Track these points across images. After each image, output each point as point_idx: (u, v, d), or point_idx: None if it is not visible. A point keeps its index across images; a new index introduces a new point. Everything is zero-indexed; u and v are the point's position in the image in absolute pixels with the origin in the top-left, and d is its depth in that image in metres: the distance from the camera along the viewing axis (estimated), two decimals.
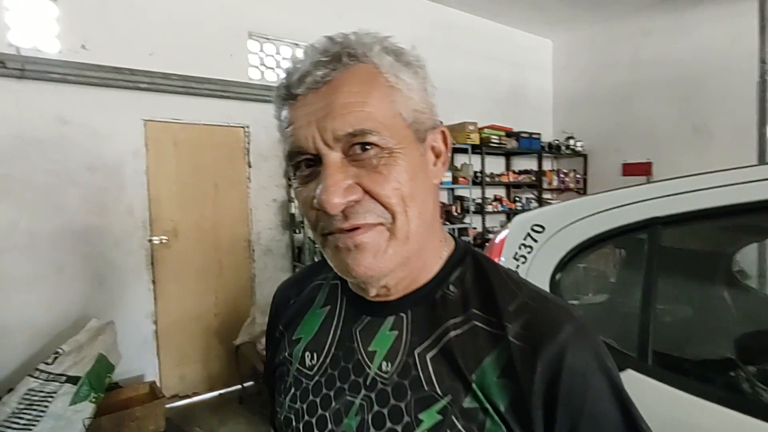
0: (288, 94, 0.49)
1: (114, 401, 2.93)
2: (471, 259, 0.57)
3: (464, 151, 4.89)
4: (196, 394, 3.65)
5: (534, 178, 5.82)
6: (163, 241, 3.48)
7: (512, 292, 0.52)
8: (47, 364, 2.60)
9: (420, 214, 0.50)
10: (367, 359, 0.55)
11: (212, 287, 3.74)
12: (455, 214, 4.99)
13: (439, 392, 0.49)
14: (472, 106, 5.26)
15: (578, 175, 6.09)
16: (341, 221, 0.48)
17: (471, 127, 4.91)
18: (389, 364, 0.53)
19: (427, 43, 4.44)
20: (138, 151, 3.34)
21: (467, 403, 0.48)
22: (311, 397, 0.57)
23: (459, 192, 5.19)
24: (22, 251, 2.93)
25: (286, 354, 0.62)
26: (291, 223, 4.04)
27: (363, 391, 0.54)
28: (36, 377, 2.54)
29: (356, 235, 0.48)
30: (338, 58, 0.48)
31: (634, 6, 5.18)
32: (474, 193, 5.20)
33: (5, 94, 2.86)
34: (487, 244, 1.86)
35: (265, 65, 4.03)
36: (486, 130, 5.16)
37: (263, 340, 3.26)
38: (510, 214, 5.72)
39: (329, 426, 0.55)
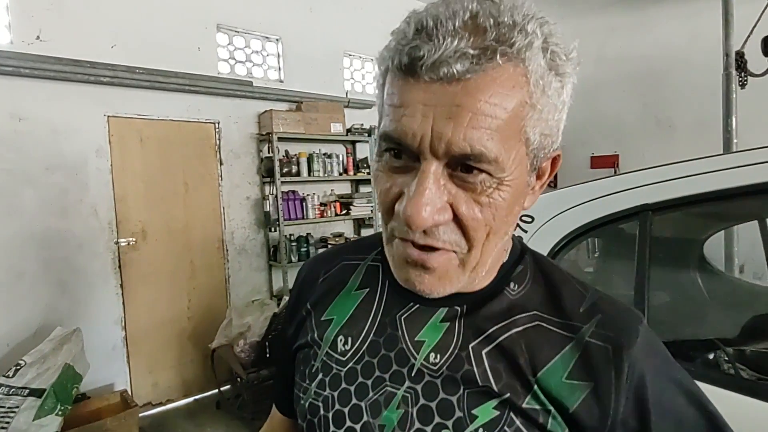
0: (410, 68, 0.39)
1: (83, 413, 2.79)
2: (530, 258, 0.54)
3: None
4: (170, 401, 3.51)
5: None
6: (131, 243, 3.32)
7: (580, 293, 0.50)
8: (7, 377, 2.43)
9: (497, 244, 0.46)
10: (412, 349, 0.50)
11: (184, 290, 3.60)
12: None
13: (496, 389, 0.46)
14: None
15: None
16: (418, 237, 0.43)
17: None
18: (438, 356, 0.49)
19: None
20: (101, 149, 3.16)
21: (527, 403, 0.46)
22: (344, 385, 0.52)
23: None
24: None
25: (315, 335, 0.57)
26: (266, 222, 3.94)
27: (407, 382, 0.49)
28: None
29: (429, 258, 0.44)
30: (490, 55, 0.37)
31: (599, 3, 5.32)
32: None
33: None
34: None
35: (234, 59, 3.90)
36: None
37: (241, 342, 3.17)
38: None
39: (365, 417, 0.50)
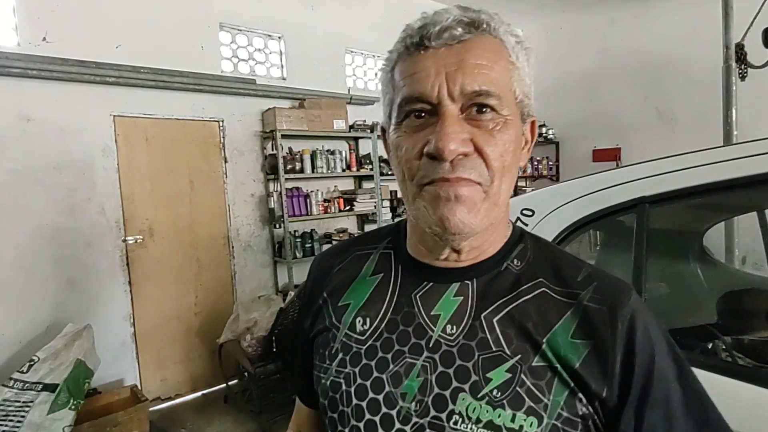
0: (420, 43, 0.51)
1: (94, 407, 2.85)
2: (530, 238, 0.61)
3: None
4: (179, 395, 3.58)
5: None
6: (138, 240, 3.37)
7: (577, 265, 0.57)
8: (22, 372, 2.49)
9: (508, 187, 0.53)
10: (429, 322, 0.56)
11: (191, 286, 3.65)
12: None
13: (508, 352, 0.52)
14: None
15: (551, 162, 6.23)
16: (448, 171, 0.49)
17: None
18: (454, 327, 0.54)
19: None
20: (108, 148, 3.21)
21: (536, 362, 0.51)
22: (365, 361, 0.57)
23: None
24: None
25: (333, 320, 0.62)
26: (270, 218, 3.98)
27: (425, 353, 0.54)
28: (11, 387, 2.43)
29: (459, 186, 0.49)
30: (477, 24, 0.51)
31: None
32: None
33: None
34: None
35: (237, 57, 3.93)
36: None
37: (248, 337, 3.21)
38: None
39: (387, 388, 0.54)
